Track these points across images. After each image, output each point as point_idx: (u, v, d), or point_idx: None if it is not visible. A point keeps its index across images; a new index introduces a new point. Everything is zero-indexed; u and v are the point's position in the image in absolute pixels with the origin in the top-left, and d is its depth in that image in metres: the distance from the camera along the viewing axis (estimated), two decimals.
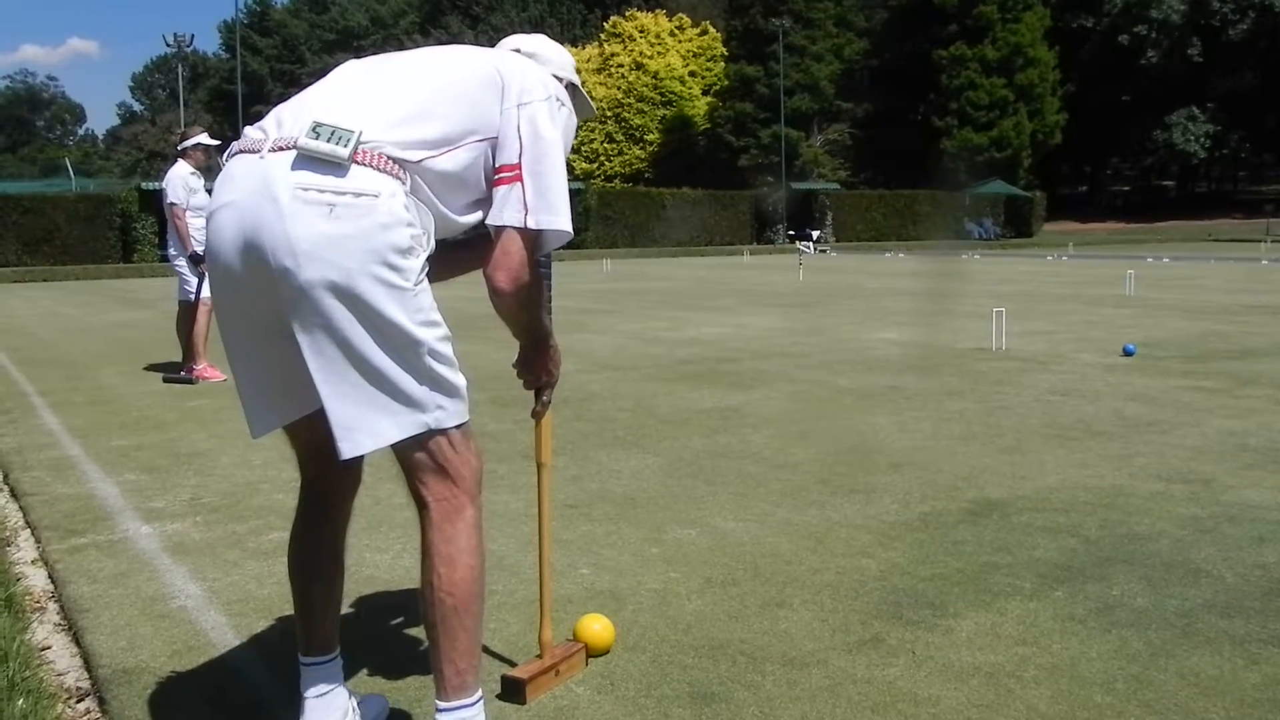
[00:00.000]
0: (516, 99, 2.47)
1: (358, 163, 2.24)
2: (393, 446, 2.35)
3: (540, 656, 2.99)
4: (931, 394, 7.71)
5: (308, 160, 2.23)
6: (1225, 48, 65.58)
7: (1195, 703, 2.79)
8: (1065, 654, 3.11)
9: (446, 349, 2.35)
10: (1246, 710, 2.75)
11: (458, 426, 2.39)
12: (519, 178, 2.42)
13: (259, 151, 2.29)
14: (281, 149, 2.26)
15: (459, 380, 2.38)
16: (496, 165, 2.44)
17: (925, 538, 4.24)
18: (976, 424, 6.55)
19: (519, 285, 2.44)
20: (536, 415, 2.94)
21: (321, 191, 2.20)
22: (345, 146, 2.22)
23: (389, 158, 2.28)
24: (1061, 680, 2.93)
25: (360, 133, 2.25)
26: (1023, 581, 3.72)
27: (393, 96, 2.38)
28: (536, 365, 2.81)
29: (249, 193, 2.26)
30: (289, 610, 2.76)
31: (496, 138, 2.45)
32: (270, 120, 2.37)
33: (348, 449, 2.30)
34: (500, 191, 2.42)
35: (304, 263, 2.18)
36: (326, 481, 2.63)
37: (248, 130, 2.40)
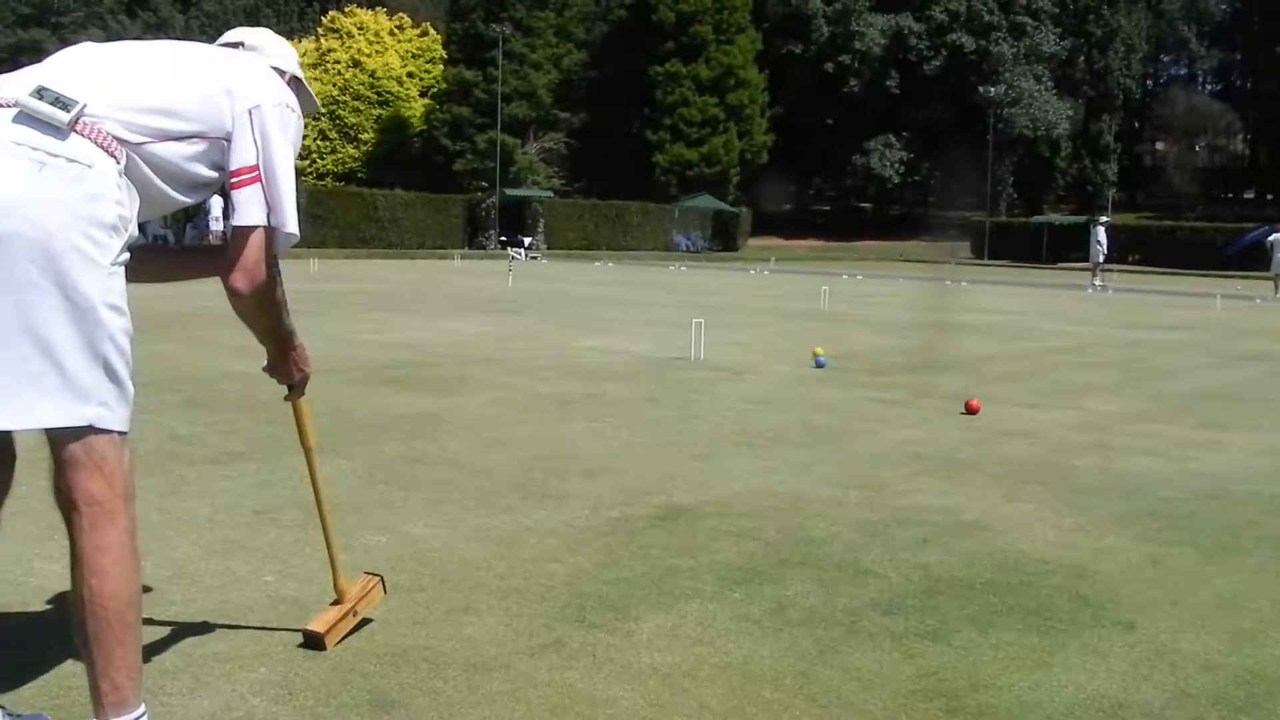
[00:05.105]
0: (248, 102, 2.50)
1: (77, 132, 2.23)
2: (49, 436, 2.25)
3: (338, 603, 3.24)
4: (630, 401, 7.86)
5: (28, 118, 2.21)
6: (919, 81, 69.71)
7: (856, 696, 2.95)
8: (739, 653, 3.23)
9: (126, 344, 2.29)
10: (902, 701, 2.93)
11: (120, 433, 2.30)
12: (258, 179, 2.48)
13: None
14: (2, 106, 2.24)
15: (129, 385, 2.30)
16: (234, 168, 2.48)
17: (613, 542, 4.32)
18: (671, 431, 6.72)
19: (256, 285, 2.49)
20: (290, 400, 3.07)
21: (35, 149, 2.18)
22: (67, 112, 2.22)
23: (110, 135, 2.28)
24: (734, 678, 3.04)
25: (85, 105, 2.25)
26: (704, 584, 3.84)
27: (126, 81, 2.38)
28: (283, 367, 2.92)
29: None
30: None
31: (224, 139, 2.48)
32: None
33: None
34: (244, 193, 2.47)
35: (2, 213, 2.13)
36: None
37: None
